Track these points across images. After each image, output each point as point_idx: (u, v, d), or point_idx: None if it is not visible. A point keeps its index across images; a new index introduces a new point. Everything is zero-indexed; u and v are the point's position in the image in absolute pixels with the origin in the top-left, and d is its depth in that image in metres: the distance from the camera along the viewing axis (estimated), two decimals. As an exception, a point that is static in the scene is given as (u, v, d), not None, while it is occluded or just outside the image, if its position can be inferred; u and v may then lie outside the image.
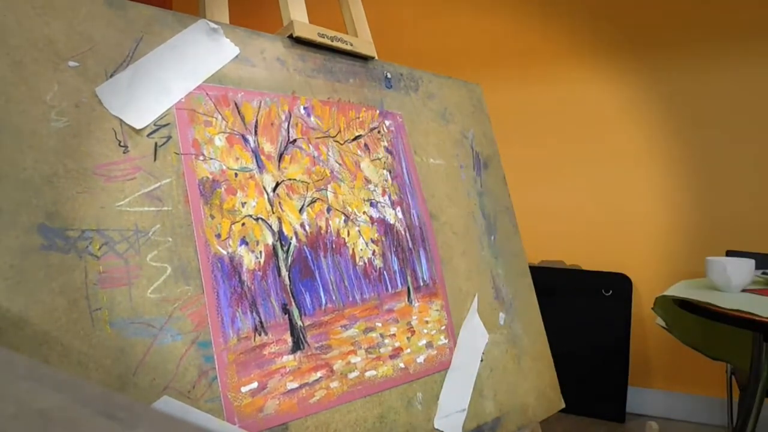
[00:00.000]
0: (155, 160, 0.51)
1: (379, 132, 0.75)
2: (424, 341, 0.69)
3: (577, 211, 1.83)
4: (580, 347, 1.67)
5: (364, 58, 0.77)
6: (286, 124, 0.64)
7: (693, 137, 1.68)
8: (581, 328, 1.69)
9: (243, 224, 0.55)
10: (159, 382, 0.45)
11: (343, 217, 0.66)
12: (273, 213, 0.59)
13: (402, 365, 0.65)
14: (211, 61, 0.59)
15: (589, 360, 1.65)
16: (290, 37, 0.68)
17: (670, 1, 1.72)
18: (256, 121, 0.61)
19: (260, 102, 0.62)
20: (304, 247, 0.60)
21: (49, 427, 0.17)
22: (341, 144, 0.69)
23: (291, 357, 0.55)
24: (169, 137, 0.52)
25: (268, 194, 0.59)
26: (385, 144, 0.75)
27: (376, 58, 0.79)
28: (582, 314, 1.69)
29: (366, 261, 0.66)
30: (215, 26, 0.59)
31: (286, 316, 0.56)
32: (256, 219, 0.57)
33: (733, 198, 1.63)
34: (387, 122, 0.76)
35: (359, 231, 0.67)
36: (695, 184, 1.66)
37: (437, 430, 0.66)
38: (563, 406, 0.86)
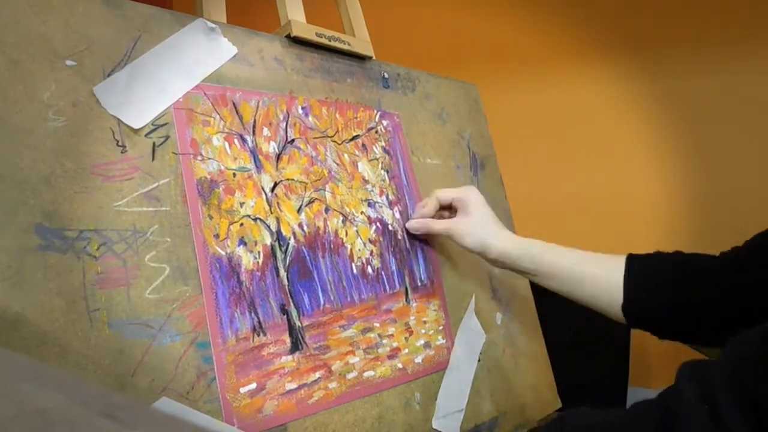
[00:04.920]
0: (153, 159, 0.50)
1: (376, 132, 0.75)
2: (422, 341, 0.69)
3: (576, 210, 1.83)
4: (580, 347, 1.66)
5: (362, 58, 0.77)
6: (284, 123, 0.63)
7: (693, 137, 1.69)
8: (581, 327, 1.68)
9: (241, 224, 0.55)
10: (157, 383, 0.45)
11: (341, 218, 0.66)
12: (271, 213, 0.58)
13: (400, 365, 0.65)
14: (209, 61, 0.58)
15: (589, 360, 1.65)
16: (288, 36, 0.68)
17: (669, 1, 1.72)
18: (254, 121, 0.61)
19: (258, 102, 0.62)
20: (303, 247, 0.60)
21: (49, 427, 0.17)
22: (339, 144, 0.69)
23: (290, 357, 0.55)
24: (167, 137, 0.52)
25: (266, 194, 0.59)
26: (383, 144, 0.75)
27: (374, 57, 0.79)
28: (582, 314, 1.68)
29: (364, 261, 0.66)
30: (213, 25, 0.59)
31: (285, 316, 0.56)
32: (255, 219, 0.57)
33: (734, 198, 1.63)
34: (384, 122, 0.76)
35: (357, 231, 0.67)
36: (696, 184, 1.66)
37: (435, 430, 0.66)
38: (560, 405, 0.87)
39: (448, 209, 0.74)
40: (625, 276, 0.61)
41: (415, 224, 0.72)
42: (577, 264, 0.65)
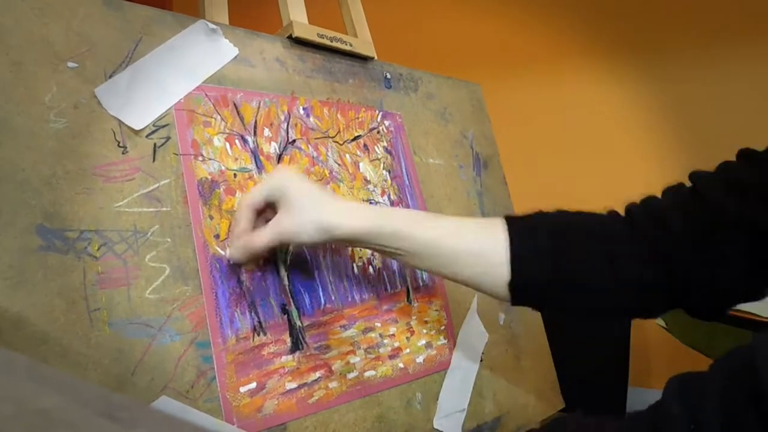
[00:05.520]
0: (154, 160, 0.51)
1: (378, 132, 0.75)
2: (423, 341, 0.69)
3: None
4: (580, 347, 1.66)
5: (364, 59, 0.77)
6: (286, 124, 0.64)
7: (694, 136, 1.68)
8: (581, 328, 1.68)
9: (242, 225, 0.55)
10: (157, 383, 0.45)
11: (342, 218, 0.66)
12: (272, 213, 0.59)
13: (401, 365, 0.65)
14: (211, 62, 0.59)
15: (590, 360, 1.65)
16: (289, 37, 0.69)
17: (672, 3, 1.72)
18: (256, 122, 0.61)
19: (259, 102, 0.62)
20: (303, 247, 0.60)
21: (49, 427, 0.17)
22: (340, 144, 0.69)
23: (290, 357, 0.55)
24: (168, 138, 0.53)
25: (267, 195, 0.59)
26: (385, 144, 0.75)
27: (376, 58, 0.79)
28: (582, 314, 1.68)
29: (365, 261, 0.66)
30: (214, 27, 0.60)
31: (285, 316, 0.56)
32: (255, 219, 0.57)
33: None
34: (386, 122, 0.76)
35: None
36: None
37: (437, 430, 0.66)
38: (563, 405, 0.86)
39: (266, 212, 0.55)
40: (511, 244, 0.51)
41: (236, 253, 0.53)
42: (448, 237, 0.53)
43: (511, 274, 0.52)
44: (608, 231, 0.51)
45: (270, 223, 0.53)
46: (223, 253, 0.53)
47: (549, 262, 0.51)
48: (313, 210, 0.52)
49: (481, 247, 0.53)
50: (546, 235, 0.52)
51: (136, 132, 0.50)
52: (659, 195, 0.54)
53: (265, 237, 0.52)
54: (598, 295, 0.52)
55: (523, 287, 0.52)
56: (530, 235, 0.52)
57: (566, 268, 0.51)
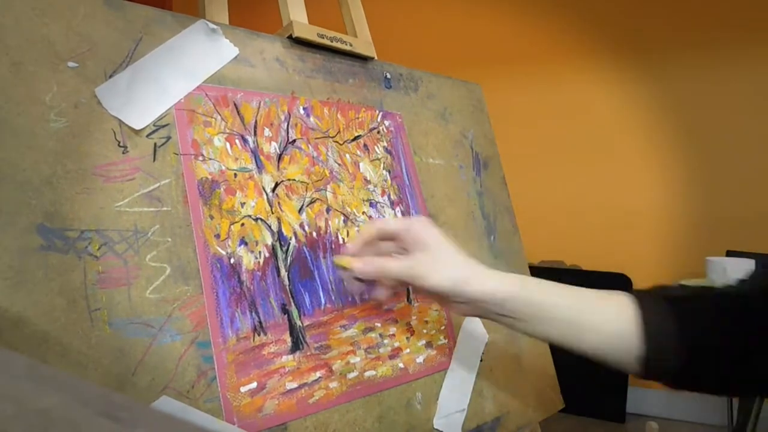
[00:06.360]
0: (154, 160, 0.51)
1: (378, 132, 0.75)
2: (423, 341, 0.69)
3: (577, 211, 1.83)
4: (580, 347, 1.66)
5: (364, 59, 0.77)
6: (286, 124, 0.64)
7: (693, 137, 1.68)
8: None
9: (242, 224, 0.56)
10: (158, 382, 0.45)
11: (342, 218, 0.66)
12: (272, 213, 0.59)
13: (401, 365, 0.65)
14: (211, 62, 0.59)
15: (589, 360, 1.65)
16: (289, 37, 0.69)
17: (672, 3, 1.72)
18: (256, 122, 0.61)
19: (260, 102, 0.62)
20: (304, 247, 0.60)
21: (49, 427, 0.17)
22: (341, 144, 0.69)
23: (290, 357, 0.55)
24: (169, 138, 0.53)
25: (267, 194, 0.59)
26: (385, 144, 0.75)
27: (376, 58, 0.79)
28: (582, 314, 1.68)
29: (365, 261, 0.66)
30: (214, 27, 0.60)
31: (285, 316, 0.56)
32: (256, 219, 0.57)
33: (733, 198, 1.63)
34: (386, 122, 0.77)
35: (359, 231, 0.67)
36: (695, 184, 1.66)
37: (437, 430, 0.66)
38: (563, 405, 0.86)
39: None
40: (642, 320, 0.50)
41: (366, 268, 0.55)
42: (572, 305, 0.52)
43: (646, 348, 0.49)
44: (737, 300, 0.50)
45: (405, 258, 0.55)
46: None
47: (683, 331, 0.49)
48: (452, 265, 0.53)
49: (609, 317, 0.51)
50: (676, 302, 0.50)
51: (137, 132, 0.50)
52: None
53: (396, 268, 0.54)
54: (740, 366, 0.49)
55: (657, 360, 0.50)
56: (657, 303, 0.50)
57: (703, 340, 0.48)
